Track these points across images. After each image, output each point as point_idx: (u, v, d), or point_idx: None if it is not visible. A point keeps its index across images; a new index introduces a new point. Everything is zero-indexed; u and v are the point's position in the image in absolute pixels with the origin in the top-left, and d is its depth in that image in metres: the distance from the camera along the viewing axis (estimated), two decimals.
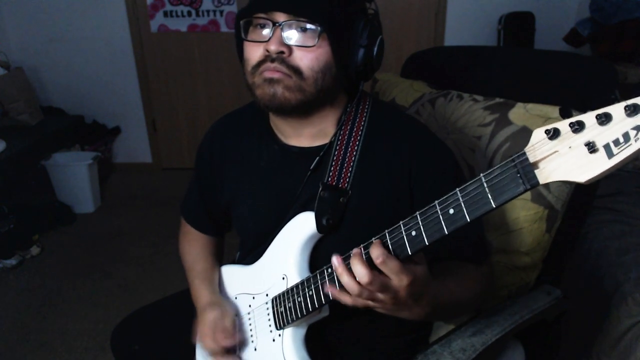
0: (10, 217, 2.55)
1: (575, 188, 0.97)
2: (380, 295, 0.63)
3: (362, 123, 0.85)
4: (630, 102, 0.41)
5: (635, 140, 0.40)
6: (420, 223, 0.59)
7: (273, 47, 0.74)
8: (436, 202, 0.57)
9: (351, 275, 0.63)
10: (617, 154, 0.41)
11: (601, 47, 2.66)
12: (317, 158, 0.84)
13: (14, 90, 2.90)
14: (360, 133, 0.84)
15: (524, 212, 0.98)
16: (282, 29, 0.74)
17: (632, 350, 1.21)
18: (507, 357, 0.96)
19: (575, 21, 2.95)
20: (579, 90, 1.02)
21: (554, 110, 0.97)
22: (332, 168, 0.82)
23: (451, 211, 0.55)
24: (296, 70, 0.75)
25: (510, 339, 0.96)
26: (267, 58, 0.75)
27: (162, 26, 3.43)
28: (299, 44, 0.75)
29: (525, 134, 0.99)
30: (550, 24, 3.35)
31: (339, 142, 0.84)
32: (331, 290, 0.67)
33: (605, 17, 2.64)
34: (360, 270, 0.61)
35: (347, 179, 0.82)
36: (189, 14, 3.41)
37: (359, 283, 0.62)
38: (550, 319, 1.00)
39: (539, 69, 1.13)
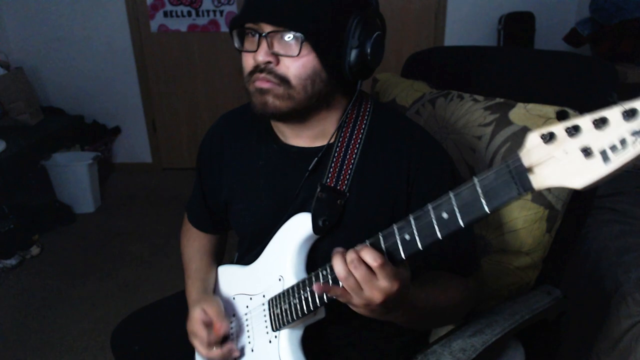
0: (10, 217, 2.55)
1: None
2: (366, 293, 0.63)
3: (363, 126, 0.85)
4: (627, 106, 0.39)
5: (633, 146, 0.39)
6: (414, 227, 0.59)
7: (260, 58, 0.75)
8: (430, 206, 0.57)
9: (345, 263, 0.64)
10: (613, 159, 0.40)
11: (601, 47, 2.66)
12: (316, 159, 0.83)
13: (14, 90, 2.90)
14: (360, 136, 0.84)
15: (524, 212, 0.98)
16: (267, 39, 0.75)
17: (632, 350, 1.21)
18: (507, 357, 0.96)
19: (575, 21, 2.95)
20: (579, 90, 1.02)
21: (554, 110, 0.97)
22: (331, 169, 0.82)
23: (445, 215, 0.55)
24: (284, 79, 0.76)
25: (511, 339, 0.96)
26: (257, 68, 0.77)
27: (162, 26, 3.43)
28: (284, 53, 0.75)
29: (525, 134, 0.98)
30: (550, 24, 3.35)
31: (339, 144, 0.84)
32: (317, 289, 0.68)
33: (605, 17, 2.64)
34: (339, 266, 0.63)
35: (346, 181, 0.82)
36: (189, 14, 3.41)
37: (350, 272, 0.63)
38: (550, 319, 1.00)
39: (539, 69, 1.13)
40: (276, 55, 0.75)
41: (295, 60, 0.75)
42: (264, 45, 0.75)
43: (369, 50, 0.77)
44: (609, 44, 2.61)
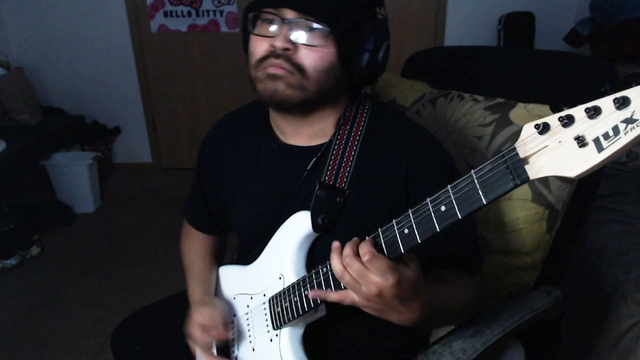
0: (10, 217, 2.55)
1: (576, 188, 0.97)
2: (363, 289, 0.63)
3: (362, 124, 0.85)
4: (619, 94, 0.40)
5: (625, 134, 0.39)
6: (413, 220, 0.59)
7: (279, 44, 0.74)
8: (428, 199, 0.57)
9: (341, 258, 0.65)
10: (606, 147, 0.40)
11: (601, 47, 2.66)
12: (315, 158, 0.83)
13: (14, 90, 2.90)
14: (359, 134, 0.84)
15: (524, 213, 0.98)
16: (289, 26, 0.74)
17: (632, 350, 1.21)
18: (507, 357, 0.96)
19: (575, 21, 2.95)
20: (579, 90, 1.02)
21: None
22: (329, 167, 0.82)
23: (443, 208, 0.55)
24: (300, 68, 0.75)
25: (511, 339, 0.96)
26: (272, 54, 0.75)
27: (162, 26, 3.43)
28: (306, 42, 0.75)
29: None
30: (550, 24, 3.35)
31: (337, 142, 0.84)
32: (313, 294, 0.71)
33: (605, 17, 2.64)
34: (335, 262, 0.65)
35: (345, 179, 0.82)
36: (189, 14, 3.41)
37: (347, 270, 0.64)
38: (550, 319, 1.00)
39: (539, 69, 1.13)
40: (294, 44, 0.75)
41: (315, 51, 0.75)
42: (284, 31, 0.74)
43: (380, 56, 0.79)
44: (609, 44, 2.61)
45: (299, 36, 0.75)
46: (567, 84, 1.06)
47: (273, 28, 0.76)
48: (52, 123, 3.13)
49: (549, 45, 3.30)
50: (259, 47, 0.78)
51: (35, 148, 2.82)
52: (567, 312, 1.03)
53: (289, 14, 0.74)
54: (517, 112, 1.02)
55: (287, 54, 0.75)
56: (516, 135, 1.00)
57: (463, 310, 0.85)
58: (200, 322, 0.90)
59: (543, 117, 1.00)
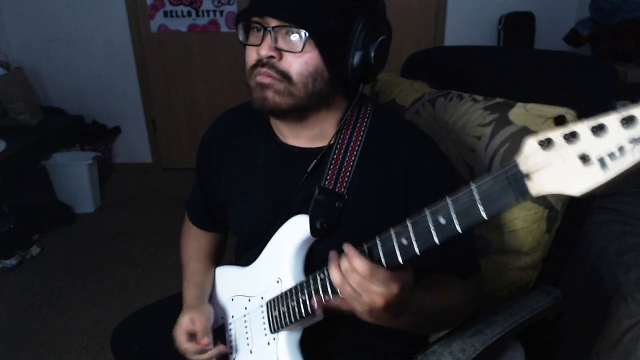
0: (10, 217, 2.55)
1: None
2: (366, 299, 0.63)
3: (363, 128, 0.84)
4: (626, 113, 0.39)
5: (632, 154, 0.38)
6: (411, 231, 0.58)
7: (263, 52, 0.75)
8: (427, 211, 0.56)
9: (340, 270, 0.64)
10: (611, 167, 0.40)
11: (601, 47, 2.66)
12: (315, 160, 0.83)
13: (14, 90, 2.90)
14: (360, 138, 0.83)
15: (524, 212, 0.98)
16: (272, 34, 0.75)
17: (632, 350, 1.21)
18: (507, 357, 0.96)
19: (575, 21, 2.95)
20: (579, 90, 1.02)
21: (554, 110, 0.97)
22: (329, 172, 0.82)
23: (442, 221, 0.54)
24: (285, 75, 0.75)
25: (511, 339, 0.96)
26: (259, 62, 0.76)
27: (162, 26, 3.43)
28: (287, 49, 0.75)
29: (525, 134, 0.98)
30: (550, 24, 3.35)
31: (338, 146, 0.83)
32: (317, 301, 0.70)
33: (605, 17, 2.64)
34: (335, 274, 0.64)
35: (344, 184, 0.81)
36: (189, 14, 3.41)
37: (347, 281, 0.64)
38: (550, 319, 1.00)
39: (539, 69, 1.13)
40: (279, 51, 0.75)
41: (298, 56, 0.75)
42: (268, 39, 0.75)
43: (372, 54, 0.77)
44: (609, 44, 2.61)
45: (282, 43, 0.75)
46: (567, 84, 1.06)
47: (260, 36, 0.77)
48: (52, 123, 3.13)
49: (549, 45, 3.30)
50: (250, 55, 0.79)
51: (35, 148, 2.82)
52: (567, 312, 1.03)
53: (272, 22, 0.75)
54: (517, 111, 1.02)
55: (272, 61, 0.75)
56: (515, 135, 1.00)
57: (454, 315, 0.85)
58: (186, 329, 0.91)
59: (542, 117, 1.00)
